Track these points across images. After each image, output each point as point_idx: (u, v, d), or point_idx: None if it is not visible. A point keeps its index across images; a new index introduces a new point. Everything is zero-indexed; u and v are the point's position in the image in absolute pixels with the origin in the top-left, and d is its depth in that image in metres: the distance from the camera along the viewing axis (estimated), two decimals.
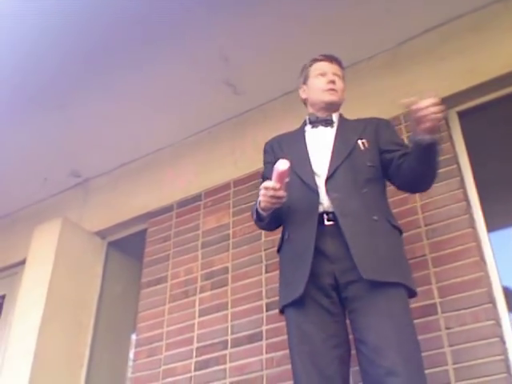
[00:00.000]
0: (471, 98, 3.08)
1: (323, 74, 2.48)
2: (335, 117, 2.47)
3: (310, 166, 2.31)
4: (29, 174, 4.33)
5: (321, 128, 2.44)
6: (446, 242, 2.69)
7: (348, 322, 2.16)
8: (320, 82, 2.48)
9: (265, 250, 3.23)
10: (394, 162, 2.31)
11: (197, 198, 3.75)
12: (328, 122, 2.44)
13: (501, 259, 2.70)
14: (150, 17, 3.22)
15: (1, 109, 3.76)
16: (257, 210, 2.26)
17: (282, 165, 2.03)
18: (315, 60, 2.54)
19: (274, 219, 2.30)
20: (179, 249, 3.61)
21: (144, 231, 3.93)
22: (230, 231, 3.45)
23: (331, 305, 2.13)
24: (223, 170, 3.73)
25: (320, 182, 2.25)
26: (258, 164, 3.52)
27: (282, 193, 2.09)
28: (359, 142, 2.35)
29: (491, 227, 2.78)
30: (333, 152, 2.31)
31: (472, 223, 2.73)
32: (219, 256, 3.40)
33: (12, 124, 3.88)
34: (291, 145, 2.45)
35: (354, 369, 2.22)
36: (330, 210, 2.18)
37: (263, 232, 3.28)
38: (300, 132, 2.50)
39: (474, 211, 2.83)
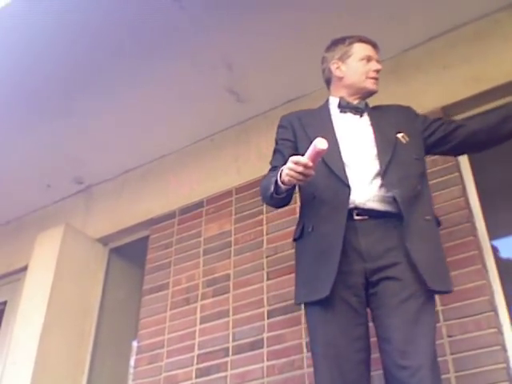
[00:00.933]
0: (474, 106, 3.08)
1: (369, 60, 2.36)
2: (363, 105, 2.36)
3: (340, 155, 2.18)
4: (32, 181, 4.34)
5: (349, 115, 2.33)
6: (448, 250, 2.65)
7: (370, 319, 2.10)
8: (365, 68, 2.35)
9: (266, 257, 3.23)
10: (451, 129, 2.31)
11: (199, 204, 3.75)
12: (358, 110, 2.33)
13: (503, 267, 2.69)
14: (155, 24, 3.23)
15: (4, 114, 3.78)
16: (276, 181, 2.09)
17: (321, 144, 1.86)
18: (359, 40, 2.39)
19: (288, 196, 2.18)
20: (181, 255, 3.61)
21: (146, 238, 3.93)
22: (232, 238, 3.45)
23: (359, 304, 2.04)
24: (226, 177, 3.73)
25: (351, 173, 2.14)
26: (261, 171, 3.51)
27: (311, 171, 1.94)
28: (399, 135, 2.25)
29: (493, 235, 2.77)
30: (378, 146, 2.20)
31: (474, 231, 2.72)
32: (221, 263, 3.39)
33: (15, 130, 3.89)
34: (317, 127, 2.28)
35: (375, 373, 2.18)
36: (361, 205, 2.08)
37: (265, 239, 3.28)
38: (325, 114, 2.37)
39: (476, 219, 2.82)
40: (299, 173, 1.94)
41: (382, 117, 2.33)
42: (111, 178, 4.36)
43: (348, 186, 2.10)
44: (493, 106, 3.06)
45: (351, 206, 2.08)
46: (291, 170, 1.96)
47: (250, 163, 3.66)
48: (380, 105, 2.43)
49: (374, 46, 2.41)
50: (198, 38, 3.32)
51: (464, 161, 2.98)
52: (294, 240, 2.27)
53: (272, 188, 2.12)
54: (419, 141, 2.31)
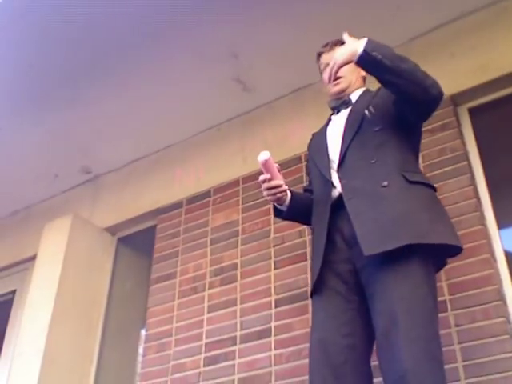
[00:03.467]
0: (482, 94, 3.07)
1: (324, 68, 2.41)
2: (356, 95, 2.35)
3: (327, 155, 2.25)
4: (39, 171, 4.36)
5: (343, 111, 2.34)
6: None
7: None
8: (325, 75, 2.29)
9: (274, 246, 3.23)
10: None
11: (206, 194, 3.75)
12: (346, 103, 2.34)
13: (511, 256, 2.69)
14: (161, 14, 3.23)
15: (11, 105, 3.79)
16: (274, 204, 2.28)
17: (261, 155, 2.06)
18: (319, 54, 2.48)
19: (300, 214, 2.33)
20: (188, 245, 3.62)
21: (153, 227, 3.94)
22: (239, 228, 3.45)
23: (348, 291, 2.08)
24: (232, 167, 3.73)
25: (335, 168, 2.20)
26: None
27: (276, 182, 2.12)
28: (366, 111, 2.22)
29: (502, 224, 2.76)
30: (343, 134, 2.22)
31: (482, 220, 2.71)
32: (228, 252, 3.40)
33: (22, 120, 3.90)
34: (316, 138, 2.44)
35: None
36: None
37: (272, 228, 3.29)
38: (326, 122, 2.45)
39: (485, 208, 2.81)
40: (268, 188, 2.13)
41: (366, 96, 2.29)
42: (119, 167, 4.37)
43: (329, 181, 2.19)
44: (501, 95, 3.05)
45: (335, 198, 2.15)
46: (263, 190, 2.17)
47: (256, 152, 3.59)
48: None
49: (329, 47, 2.44)
50: (203, 28, 3.31)
51: (473, 149, 2.97)
52: None
53: (272, 213, 2.36)
54: (387, 108, 2.20)
